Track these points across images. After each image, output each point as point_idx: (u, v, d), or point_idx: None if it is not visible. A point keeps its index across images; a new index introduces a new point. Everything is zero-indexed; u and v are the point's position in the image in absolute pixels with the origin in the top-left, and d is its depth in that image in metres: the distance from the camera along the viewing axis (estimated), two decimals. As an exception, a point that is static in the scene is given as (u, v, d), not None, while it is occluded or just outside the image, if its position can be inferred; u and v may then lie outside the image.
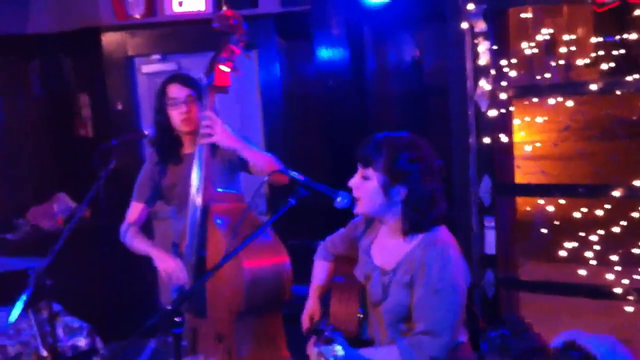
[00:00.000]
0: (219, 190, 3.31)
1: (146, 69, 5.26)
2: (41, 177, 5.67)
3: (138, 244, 3.47)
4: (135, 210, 3.59)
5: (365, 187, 2.49)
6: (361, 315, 2.63)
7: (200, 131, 3.23)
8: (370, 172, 2.47)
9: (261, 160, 3.30)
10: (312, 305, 2.86)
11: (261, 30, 5.34)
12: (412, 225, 2.47)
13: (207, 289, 3.21)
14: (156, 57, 5.27)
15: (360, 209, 2.53)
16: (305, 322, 2.84)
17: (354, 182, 2.53)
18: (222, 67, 3.18)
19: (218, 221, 3.18)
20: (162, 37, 5.32)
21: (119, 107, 5.26)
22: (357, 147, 2.52)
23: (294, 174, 2.62)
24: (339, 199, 2.51)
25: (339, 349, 2.26)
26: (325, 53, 5.35)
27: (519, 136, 4.75)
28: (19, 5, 5.49)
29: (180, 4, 5.24)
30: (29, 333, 3.61)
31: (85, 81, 5.56)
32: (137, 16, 5.25)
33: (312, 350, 2.45)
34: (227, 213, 3.22)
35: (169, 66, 5.26)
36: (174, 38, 5.28)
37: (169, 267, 3.26)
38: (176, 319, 2.30)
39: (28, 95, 5.64)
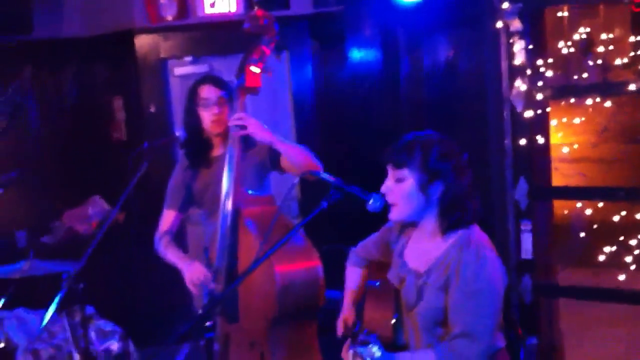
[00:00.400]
0: (250, 192, 3.27)
1: (178, 71, 5.26)
2: (76, 181, 5.68)
3: (170, 254, 3.43)
4: (167, 218, 3.55)
5: (400, 189, 2.43)
6: (394, 321, 2.57)
7: (232, 126, 3.19)
8: (405, 172, 2.41)
9: (296, 153, 3.25)
10: (346, 311, 2.81)
11: (293, 32, 5.31)
12: (452, 222, 2.42)
13: (239, 295, 3.16)
14: (188, 59, 5.26)
15: (396, 214, 2.48)
16: (339, 327, 2.78)
17: (387, 186, 2.47)
18: (253, 68, 3.15)
19: (249, 225, 3.14)
20: (194, 39, 5.31)
21: (152, 109, 5.26)
22: (386, 150, 2.47)
23: (326, 175, 2.57)
24: (371, 201, 2.45)
25: (375, 350, 2.22)
26: (358, 55, 5.30)
27: (556, 138, 4.66)
28: (52, 10, 5.51)
29: (212, 5, 5.22)
30: (62, 337, 3.62)
31: (118, 84, 5.57)
32: (170, 18, 5.24)
33: (347, 353, 2.41)
34: (258, 216, 3.17)
35: (201, 68, 5.25)
36: (206, 40, 5.27)
37: (196, 279, 3.20)
38: (207, 324, 2.26)
39: (62, 100, 5.67)
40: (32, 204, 5.55)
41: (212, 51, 5.27)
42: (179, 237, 3.64)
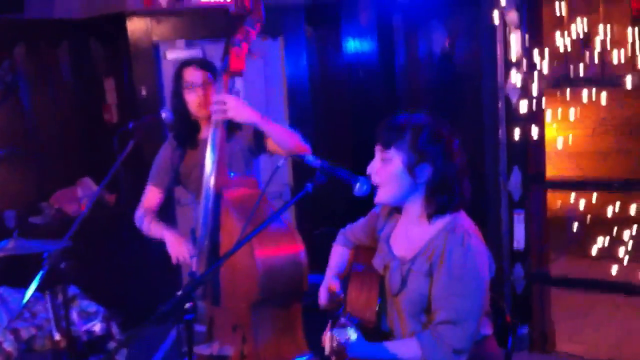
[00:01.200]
0: (233, 175, 3.22)
1: (171, 55, 5.19)
2: (67, 162, 5.64)
3: (154, 229, 3.38)
4: (151, 194, 3.50)
5: (387, 170, 2.38)
6: (377, 308, 2.53)
7: (212, 114, 3.14)
8: (392, 152, 2.36)
9: (283, 134, 3.19)
10: (329, 280, 2.73)
11: (289, 16, 5.26)
12: (438, 206, 2.37)
13: (221, 278, 3.13)
14: (181, 43, 5.20)
15: (382, 196, 2.42)
16: (322, 296, 2.70)
17: (374, 166, 2.42)
18: (237, 50, 3.09)
19: (231, 208, 3.09)
20: (187, 23, 5.24)
21: (144, 92, 5.21)
22: (376, 129, 2.42)
23: (311, 158, 2.51)
24: (357, 185, 2.39)
25: (351, 333, 2.18)
26: (353, 42, 5.25)
27: (551, 130, 4.63)
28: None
29: (206, -11, 5.19)
30: (44, 316, 3.59)
31: (111, 66, 5.51)
32: (163, 1, 5.21)
33: (326, 335, 2.37)
34: (240, 199, 3.12)
35: (193, 52, 5.18)
36: (199, 24, 5.21)
37: (180, 252, 3.18)
38: (187, 306, 2.22)
39: (57, 80, 5.62)
40: (21, 183, 5.49)
41: (204, 35, 5.21)
42: (168, 220, 3.58)
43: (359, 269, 2.66)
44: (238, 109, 3.11)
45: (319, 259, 3.08)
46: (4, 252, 3.50)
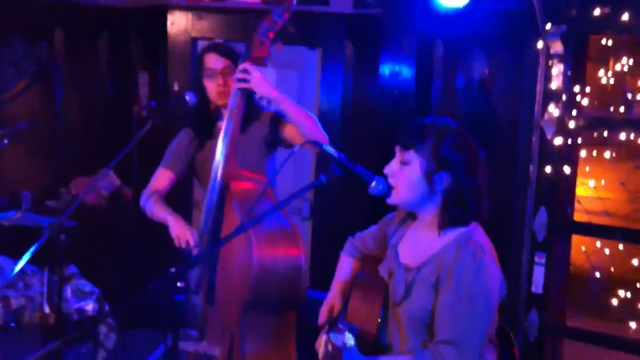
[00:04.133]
0: (243, 168, 3.12)
1: (208, 53, 5.18)
2: (91, 151, 5.65)
3: (158, 210, 3.24)
4: (162, 177, 3.38)
5: (404, 173, 2.27)
6: (379, 320, 2.39)
7: (235, 82, 3.06)
8: (411, 155, 2.25)
9: (303, 118, 3.09)
10: (332, 299, 2.62)
11: (330, 29, 5.21)
12: (451, 218, 2.25)
13: (217, 275, 3.03)
14: (219, 42, 5.18)
15: (396, 197, 2.31)
16: (322, 315, 2.59)
17: (391, 168, 2.31)
18: (261, 37, 3.03)
19: (235, 200, 2.99)
20: (227, 22, 5.23)
21: (176, 88, 5.19)
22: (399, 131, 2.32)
23: (329, 149, 2.41)
24: (373, 184, 2.29)
25: (349, 338, 2.05)
26: (391, 62, 5.15)
27: (583, 171, 4.48)
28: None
29: (250, -10, 5.17)
30: (38, 290, 3.54)
31: (147, 60, 5.53)
32: (206, -1, 5.21)
33: (321, 339, 2.24)
34: (247, 193, 3.03)
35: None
36: (239, 25, 5.19)
37: (183, 235, 3.06)
38: (179, 285, 2.13)
39: (92, 69, 5.65)
40: (42, 166, 5.51)
41: (243, 37, 5.18)
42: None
43: (363, 278, 2.54)
44: (260, 81, 3.03)
45: (331, 279, 2.95)
46: (9, 221, 3.46)
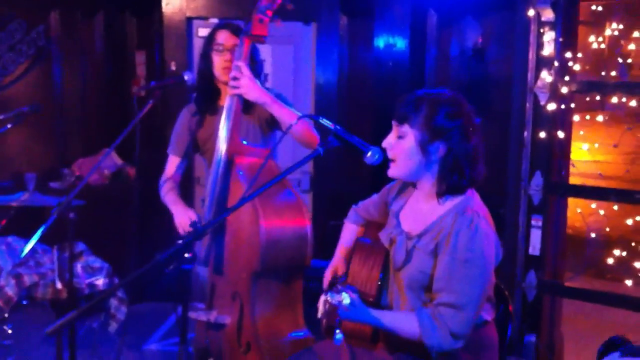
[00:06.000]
0: (245, 143, 3.21)
1: (203, 32, 5.20)
2: (92, 131, 5.71)
3: (168, 199, 3.38)
4: (170, 164, 3.51)
5: (401, 146, 2.35)
6: (379, 282, 2.49)
7: (230, 76, 3.14)
8: (406, 128, 2.33)
9: (291, 119, 3.17)
10: (336, 263, 2.72)
11: (324, 3, 5.24)
12: (449, 186, 2.33)
13: (225, 246, 3.12)
14: (214, 21, 5.22)
15: (395, 170, 2.39)
16: (327, 277, 2.69)
17: (388, 141, 2.39)
18: (260, 16, 3.09)
19: (240, 174, 3.08)
20: (221, 1, 5.27)
21: (173, 67, 5.24)
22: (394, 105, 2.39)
23: (326, 122, 2.49)
24: (369, 154, 2.37)
25: (345, 297, 2.13)
26: (386, 35, 5.21)
27: (577, 135, 4.54)
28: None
29: (243, -32, 5.19)
30: (50, 267, 3.62)
31: (143, 40, 5.56)
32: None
33: (321, 299, 2.34)
34: (252, 167, 3.10)
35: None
36: (234, 3, 5.23)
37: (184, 222, 3.18)
38: (186, 255, 2.20)
39: (89, 50, 5.69)
40: (44, 147, 5.57)
41: (239, 15, 5.21)
42: (186, 199, 3.54)
43: (365, 242, 2.64)
44: (248, 88, 3.12)
45: (332, 249, 3.01)
46: (18, 202, 3.54)
